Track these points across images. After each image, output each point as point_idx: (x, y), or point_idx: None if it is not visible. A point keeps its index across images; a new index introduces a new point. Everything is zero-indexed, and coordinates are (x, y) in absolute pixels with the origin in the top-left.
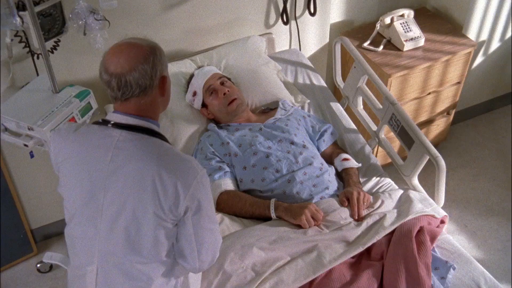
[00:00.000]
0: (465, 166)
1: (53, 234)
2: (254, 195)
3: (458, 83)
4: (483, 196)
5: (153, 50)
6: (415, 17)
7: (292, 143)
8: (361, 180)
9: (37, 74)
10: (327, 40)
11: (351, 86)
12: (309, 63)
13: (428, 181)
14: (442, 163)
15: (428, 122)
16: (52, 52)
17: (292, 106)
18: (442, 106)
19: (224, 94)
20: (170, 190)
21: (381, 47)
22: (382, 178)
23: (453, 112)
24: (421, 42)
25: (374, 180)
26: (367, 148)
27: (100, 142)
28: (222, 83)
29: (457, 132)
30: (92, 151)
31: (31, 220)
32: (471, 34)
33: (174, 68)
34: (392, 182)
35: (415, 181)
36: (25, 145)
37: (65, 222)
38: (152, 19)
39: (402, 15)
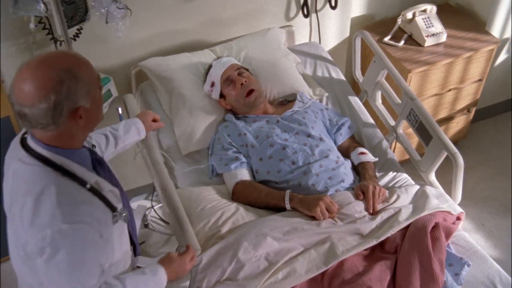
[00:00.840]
0: (484, 165)
1: None
2: (269, 186)
3: (480, 80)
4: (501, 195)
5: (61, 82)
6: (438, 12)
7: (309, 135)
8: (378, 174)
9: None
10: (348, 34)
11: (370, 80)
12: (329, 57)
13: (445, 178)
14: (460, 159)
15: (448, 119)
16: (75, 40)
17: (310, 99)
18: (462, 103)
19: (242, 84)
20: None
21: (402, 42)
22: (399, 173)
23: (473, 109)
24: (443, 38)
25: (391, 175)
26: (384, 143)
27: (12, 154)
28: (240, 74)
29: (477, 130)
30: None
31: None
32: (495, 31)
33: (193, 58)
34: (409, 178)
35: (432, 177)
36: None
37: None
38: (173, 9)
39: (424, 10)
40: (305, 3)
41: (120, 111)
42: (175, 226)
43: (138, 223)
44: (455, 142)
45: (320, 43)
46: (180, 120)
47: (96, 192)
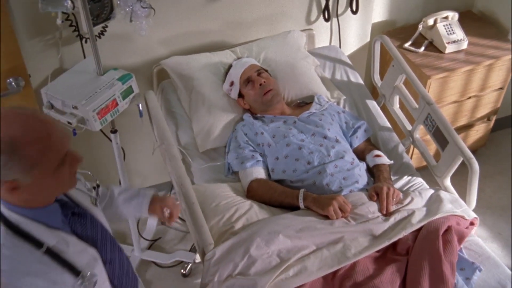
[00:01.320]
0: (503, 174)
1: None
2: (284, 185)
3: (501, 88)
4: None
5: None
6: (460, 20)
7: (325, 137)
8: (393, 178)
9: (84, 57)
10: (368, 39)
11: (388, 84)
12: (348, 60)
13: (461, 184)
14: (476, 165)
15: (468, 126)
16: (100, 37)
17: (327, 102)
18: (482, 111)
19: (261, 84)
20: None
21: (423, 48)
22: (414, 177)
23: (493, 118)
24: (464, 45)
25: (406, 178)
26: (400, 147)
27: None
28: (259, 74)
29: (497, 139)
30: None
31: None
32: None
33: (214, 58)
34: (424, 182)
35: (447, 182)
36: (69, 123)
37: None
38: (196, 9)
39: (446, 17)
40: (326, 7)
41: (140, 107)
42: (189, 221)
43: (155, 220)
44: (474, 150)
45: (340, 47)
46: (199, 118)
47: (55, 255)
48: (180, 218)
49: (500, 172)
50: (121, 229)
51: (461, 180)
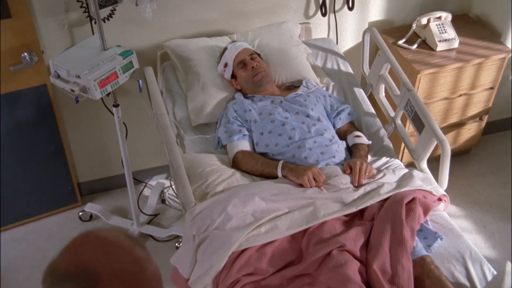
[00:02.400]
0: (494, 173)
1: (97, 190)
2: (266, 158)
3: (491, 88)
4: (508, 202)
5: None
6: (456, 22)
7: (308, 116)
8: (372, 159)
9: None
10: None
11: (375, 73)
12: (340, 51)
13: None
14: (448, 147)
15: (459, 125)
16: (108, 19)
17: (315, 86)
18: (474, 110)
19: (252, 67)
20: None
21: (415, 45)
22: (392, 159)
23: (485, 118)
24: (455, 44)
25: (384, 159)
26: (382, 131)
27: None
28: (252, 58)
29: (492, 141)
30: None
31: (79, 174)
32: (509, 42)
33: (211, 42)
34: (401, 163)
35: (424, 164)
36: (72, 90)
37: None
38: None
39: (439, 17)
40: (324, 2)
41: (140, 84)
42: (176, 183)
43: (155, 197)
44: (468, 150)
45: (337, 43)
46: (193, 95)
47: None
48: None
49: (492, 171)
50: (123, 205)
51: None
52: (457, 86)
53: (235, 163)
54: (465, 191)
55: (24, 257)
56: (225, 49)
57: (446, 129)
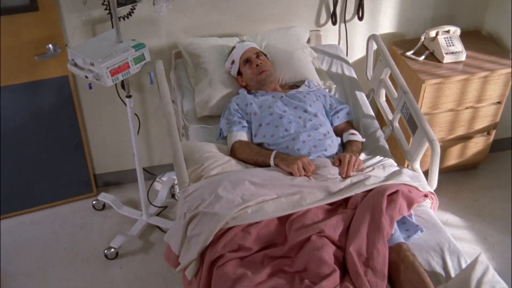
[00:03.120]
0: (500, 188)
1: (112, 182)
2: (262, 148)
3: (499, 103)
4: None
5: None
6: (466, 37)
7: (305, 111)
8: (366, 157)
9: None
10: (375, 47)
11: (376, 78)
12: (345, 57)
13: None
14: (438, 147)
15: (467, 138)
16: (128, 17)
17: (316, 86)
18: (481, 123)
19: (257, 65)
20: None
21: (423, 57)
22: (386, 158)
23: (493, 132)
24: (462, 57)
25: (378, 158)
26: (379, 132)
27: None
28: (257, 56)
29: (500, 157)
30: None
31: (96, 166)
32: None
33: (222, 41)
34: (394, 163)
35: (417, 165)
36: (86, 77)
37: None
38: (211, 2)
39: (448, 31)
40: (334, 12)
41: (152, 76)
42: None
43: (165, 191)
44: (475, 165)
45: (347, 53)
46: (200, 89)
47: None
48: None
49: (498, 185)
50: (135, 198)
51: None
52: (463, 98)
53: (233, 152)
54: (469, 204)
55: (39, 239)
56: (234, 47)
57: (453, 141)
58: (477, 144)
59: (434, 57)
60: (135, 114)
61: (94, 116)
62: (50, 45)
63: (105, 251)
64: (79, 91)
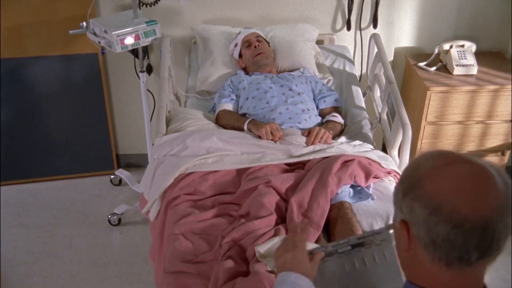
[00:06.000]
0: None
1: (133, 164)
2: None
3: (511, 121)
4: None
5: None
6: (486, 56)
7: (290, 89)
8: (346, 140)
9: None
10: (391, 58)
11: (372, 73)
12: (351, 57)
13: None
14: (409, 131)
15: (478, 155)
16: (154, 5)
17: (311, 74)
18: (493, 142)
19: (255, 47)
20: None
21: (434, 68)
22: (366, 143)
23: (507, 153)
24: (473, 71)
25: (358, 142)
26: (365, 122)
27: None
28: (258, 40)
29: None
30: None
31: (119, 146)
32: None
33: (232, 30)
34: (373, 148)
35: (395, 152)
36: (99, 42)
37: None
38: None
39: (462, 45)
40: (349, 19)
41: (162, 52)
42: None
43: None
44: None
45: (362, 60)
46: (203, 68)
47: None
48: None
49: None
50: None
51: None
52: (471, 111)
53: (217, 120)
54: None
55: (57, 202)
56: (239, 33)
57: None
58: None
59: (446, 69)
60: (150, 92)
61: (121, 97)
62: (83, 23)
63: (109, 216)
64: (108, 69)
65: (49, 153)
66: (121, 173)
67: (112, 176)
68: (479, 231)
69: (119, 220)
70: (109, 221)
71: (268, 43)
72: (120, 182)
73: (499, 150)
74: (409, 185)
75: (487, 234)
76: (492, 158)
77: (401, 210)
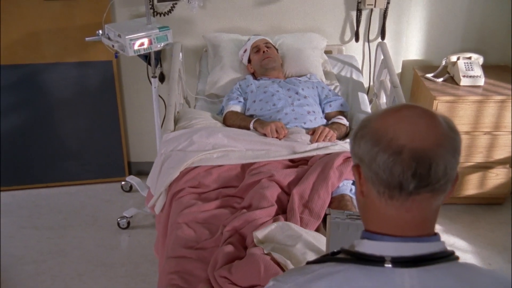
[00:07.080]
0: None
1: (145, 172)
2: None
3: None
4: None
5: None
6: (493, 69)
7: (297, 93)
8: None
9: None
10: (399, 70)
11: (378, 80)
12: (359, 66)
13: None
14: None
15: (486, 167)
16: (168, 14)
17: (317, 80)
18: (500, 153)
19: (264, 52)
20: None
21: (441, 79)
22: None
23: None
24: (480, 82)
25: None
26: None
27: None
28: (267, 46)
29: None
30: None
31: (131, 153)
32: None
33: (241, 38)
34: None
35: None
36: (112, 46)
37: None
38: (245, 9)
39: (470, 57)
40: (357, 31)
41: (172, 55)
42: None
43: None
44: (500, 200)
45: (370, 71)
46: (213, 72)
47: None
48: None
49: None
50: None
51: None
52: (478, 121)
53: (224, 120)
54: (483, 233)
55: (68, 205)
56: (248, 39)
57: (471, 169)
58: (498, 176)
59: (453, 80)
60: (162, 99)
61: (134, 106)
62: (99, 31)
63: (118, 219)
64: (122, 76)
65: (62, 159)
66: (132, 179)
67: (123, 183)
68: (417, 159)
69: (128, 223)
70: (118, 224)
71: (276, 49)
72: (130, 188)
73: (507, 162)
74: (360, 127)
75: (424, 163)
76: (500, 171)
77: (353, 154)
